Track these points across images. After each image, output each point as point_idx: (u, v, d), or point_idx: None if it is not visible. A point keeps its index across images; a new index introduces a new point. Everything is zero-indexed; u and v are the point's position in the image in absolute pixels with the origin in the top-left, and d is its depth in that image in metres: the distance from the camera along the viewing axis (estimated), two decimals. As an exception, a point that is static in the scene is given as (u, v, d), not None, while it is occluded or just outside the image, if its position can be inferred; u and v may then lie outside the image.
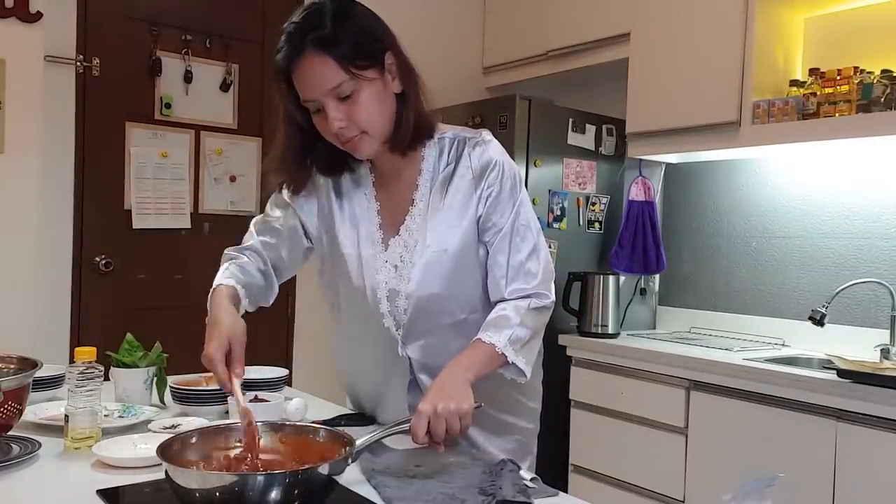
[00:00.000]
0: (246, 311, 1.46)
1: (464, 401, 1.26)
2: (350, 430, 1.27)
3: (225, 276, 1.45)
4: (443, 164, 1.46)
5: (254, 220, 1.58)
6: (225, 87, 3.22)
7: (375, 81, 1.34)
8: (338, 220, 1.50)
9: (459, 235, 1.43)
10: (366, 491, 1.15)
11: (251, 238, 1.55)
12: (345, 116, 1.32)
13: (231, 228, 3.26)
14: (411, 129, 1.39)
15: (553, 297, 1.47)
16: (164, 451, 1.04)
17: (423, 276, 1.43)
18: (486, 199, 1.43)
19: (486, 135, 1.48)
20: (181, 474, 0.98)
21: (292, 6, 3.28)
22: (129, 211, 3.02)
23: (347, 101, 1.31)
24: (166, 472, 0.99)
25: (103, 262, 2.97)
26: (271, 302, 1.56)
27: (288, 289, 3.35)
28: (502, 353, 1.36)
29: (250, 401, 1.50)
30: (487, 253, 1.46)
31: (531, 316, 1.42)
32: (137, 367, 1.64)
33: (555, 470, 2.83)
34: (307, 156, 1.44)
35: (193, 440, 1.12)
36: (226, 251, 1.53)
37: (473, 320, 1.45)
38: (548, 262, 1.48)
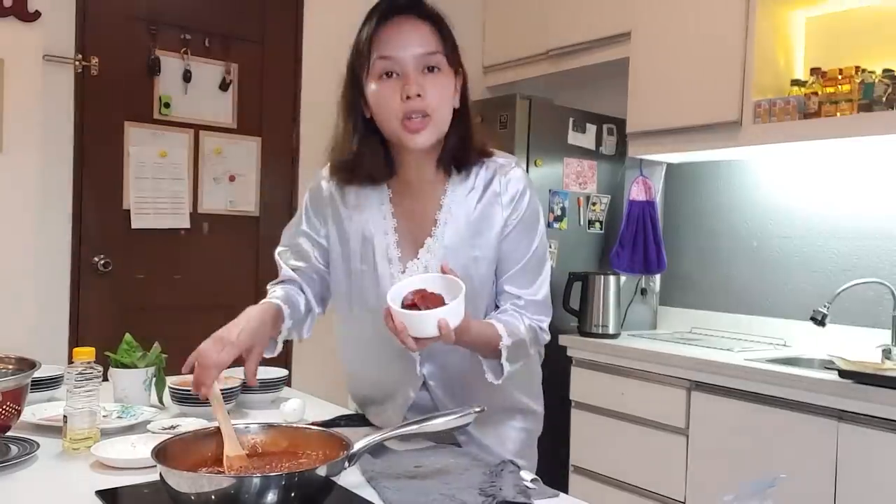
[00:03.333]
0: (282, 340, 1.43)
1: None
2: (349, 431, 1.26)
3: (268, 297, 1.42)
4: (468, 188, 1.42)
5: (277, 252, 1.55)
6: (224, 86, 3.22)
7: (452, 79, 1.36)
8: (349, 233, 1.46)
9: (483, 265, 1.41)
10: (366, 493, 1.15)
11: (281, 269, 1.52)
12: (422, 88, 1.30)
13: (230, 228, 3.26)
14: (477, 147, 1.40)
15: (549, 337, 1.48)
16: (159, 452, 1.03)
17: None
18: (510, 229, 1.42)
19: (515, 163, 1.46)
20: (173, 476, 0.97)
21: (292, 6, 3.29)
22: (128, 210, 3.01)
23: (429, 76, 1.31)
24: (160, 474, 0.98)
25: (102, 261, 2.96)
26: (306, 335, 1.51)
27: (288, 289, 3.34)
28: (499, 349, 1.35)
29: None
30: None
31: (534, 338, 1.44)
32: (136, 367, 1.63)
33: (555, 470, 2.83)
34: (362, 148, 1.39)
35: (191, 442, 1.11)
36: (267, 286, 1.51)
37: None
38: (549, 295, 1.49)
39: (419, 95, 1.29)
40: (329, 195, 1.48)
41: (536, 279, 1.44)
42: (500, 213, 1.41)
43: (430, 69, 1.31)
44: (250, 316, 1.32)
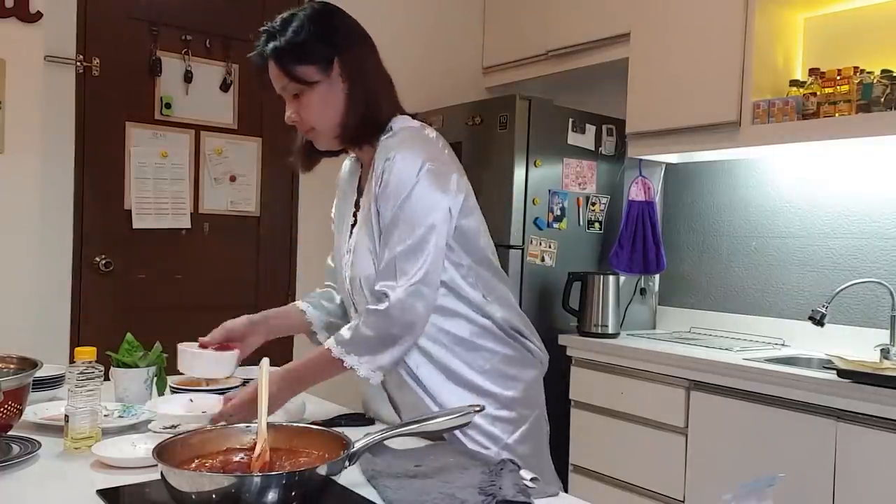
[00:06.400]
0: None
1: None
2: (350, 430, 1.27)
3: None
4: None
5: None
6: (225, 87, 3.23)
7: (320, 85, 1.45)
8: (339, 208, 1.65)
9: (375, 221, 1.48)
10: (367, 492, 1.15)
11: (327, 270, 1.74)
12: (295, 111, 1.48)
13: (231, 228, 3.26)
14: (354, 126, 1.48)
15: (397, 297, 1.36)
16: (161, 451, 1.03)
17: (355, 258, 1.52)
18: (379, 187, 1.45)
19: (406, 122, 1.50)
20: (174, 476, 0.98)
21: (292, 6, 3.28)
22: (129, 211, 3.02)
23: (298, 100, 1.47)
24: (161, 473, 0.99)
25: (103, 262, 2.97)
26: None
27: (288, 289, 3.35)
28: (338, 358, 1.39)
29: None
30: None
31: (371, 317, 1.38)
32: (137, 367, 1.64)
33: (555, 469, 2.83)
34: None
35: (192, 441, 1.12)
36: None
37: None
38: (425, 265, 1.39)
39: (295, 120, 1.50)
40: (339, 175, 1.69)
41: (399, 240, 1.40)
42: (379, 174, 1.47)
43: (296, 96, 1.47)
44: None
